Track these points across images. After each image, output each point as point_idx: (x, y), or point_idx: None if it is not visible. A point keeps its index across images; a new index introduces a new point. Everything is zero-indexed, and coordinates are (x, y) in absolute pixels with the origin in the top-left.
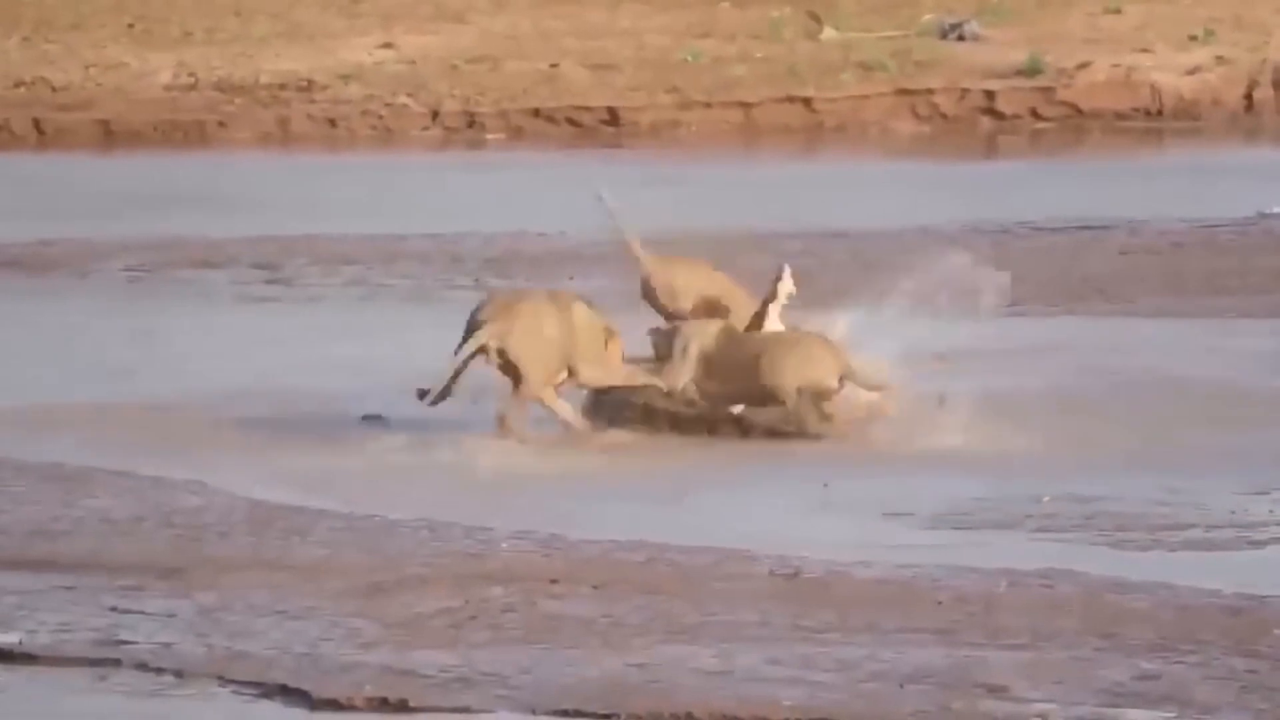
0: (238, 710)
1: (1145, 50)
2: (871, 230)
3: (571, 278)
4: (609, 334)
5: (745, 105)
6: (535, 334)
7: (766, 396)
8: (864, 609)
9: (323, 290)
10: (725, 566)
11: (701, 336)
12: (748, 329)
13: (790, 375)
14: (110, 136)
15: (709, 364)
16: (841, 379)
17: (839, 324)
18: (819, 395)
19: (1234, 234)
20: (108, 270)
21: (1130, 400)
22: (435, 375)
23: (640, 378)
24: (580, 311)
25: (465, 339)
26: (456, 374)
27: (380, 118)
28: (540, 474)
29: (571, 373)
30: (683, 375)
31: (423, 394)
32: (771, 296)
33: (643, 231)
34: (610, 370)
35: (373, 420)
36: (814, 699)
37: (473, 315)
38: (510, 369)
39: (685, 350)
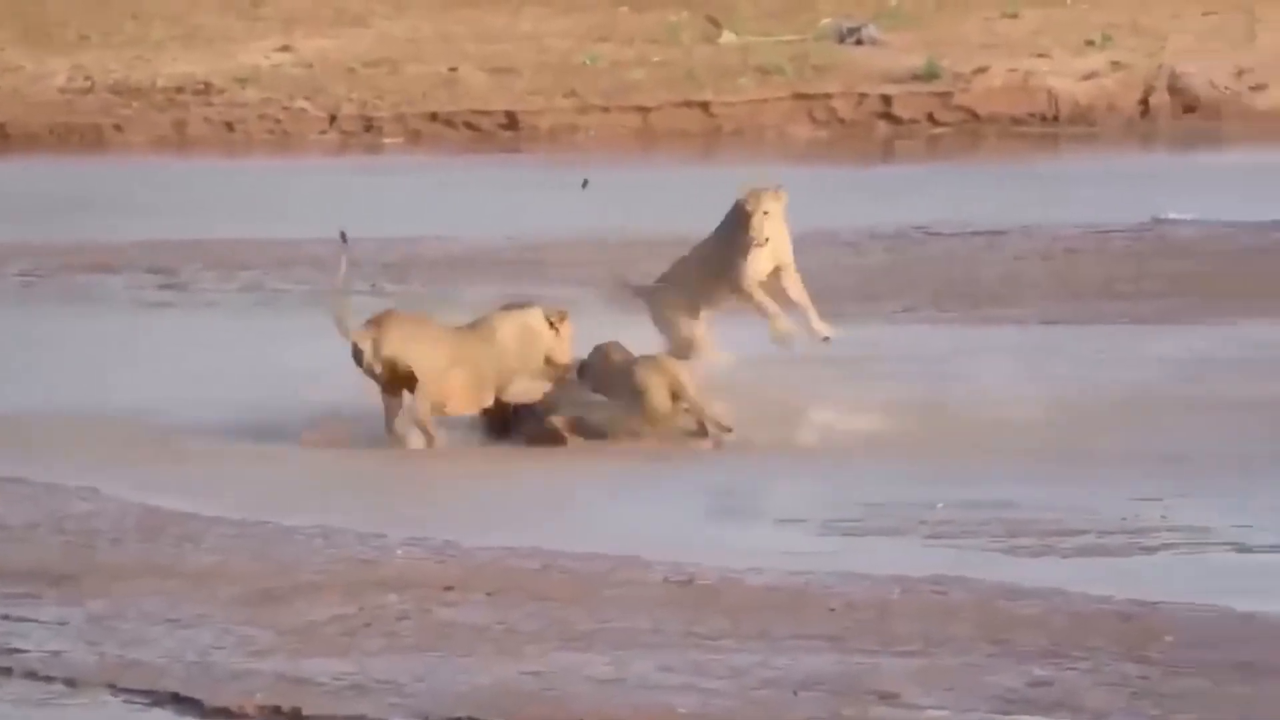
0: (129, 718)
1: (1042, 55)
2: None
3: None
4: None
5: (643, 109)
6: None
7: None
8: (756, 616)
9: (218, 295)
10: (619, 574)
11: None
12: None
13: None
14: (5, 140)
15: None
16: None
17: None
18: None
19: (1129, 239)
20: (1, 274)
21: (1022, 406)
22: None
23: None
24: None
25: None
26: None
27: (278, 121)
28: (434, 481)
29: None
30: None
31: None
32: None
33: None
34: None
35: (344, 239)
36: (707, 706)
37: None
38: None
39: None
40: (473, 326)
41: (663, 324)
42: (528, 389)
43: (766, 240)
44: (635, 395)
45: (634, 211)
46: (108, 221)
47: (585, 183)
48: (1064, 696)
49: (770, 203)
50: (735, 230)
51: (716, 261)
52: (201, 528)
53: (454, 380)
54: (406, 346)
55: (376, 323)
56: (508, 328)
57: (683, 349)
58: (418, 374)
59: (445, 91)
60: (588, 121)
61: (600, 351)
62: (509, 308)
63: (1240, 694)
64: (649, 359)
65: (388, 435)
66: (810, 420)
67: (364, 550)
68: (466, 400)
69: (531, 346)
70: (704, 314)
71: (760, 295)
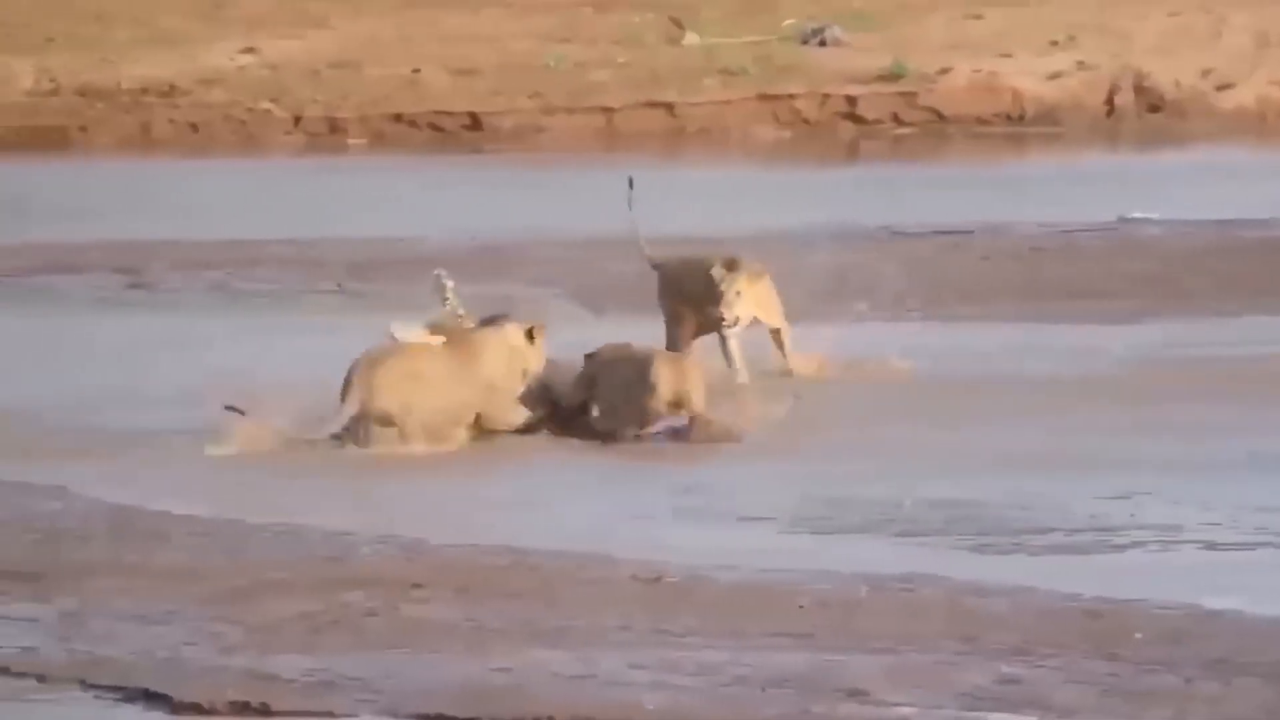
0: (100, 715)
1: (1007, 55)
2: (733, 235)
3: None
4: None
5: (607, 110)
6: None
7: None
8: (725, 613)
9: (183, 295)
10: (587, 571)
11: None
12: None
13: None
14: None
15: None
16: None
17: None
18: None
19: (1095, 239)
20: None
21: (990, 405)
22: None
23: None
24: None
25: None
26: None
27: (242, 123)
28: (402, 479)
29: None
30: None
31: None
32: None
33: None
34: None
35: (233, 411)
36: (676, 703)
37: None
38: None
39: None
40: (454, 349)
41: (664, 307)
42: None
43: (736, 320)
44: (640, 393)
45: (597, 212)
46: (72, 222)
47: (630, 183)
48: (1033, 694)
49: (745, 285)
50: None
51: (696, 304)
52: (170, 526)
53: (440, 420)
54: (395, 400)
55: (370, 369)
56: (491, 352)
57: (674, 342)
58: (402, 429)
59: (409, 93)
60: (551, 122)
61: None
62: (486, 323)
63: (1210, 691)
64: (662, 357)
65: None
66: (777, 418)
67: (331, 548)
68: (447, 434)
69: (515, 364)
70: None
71: (732, 345)
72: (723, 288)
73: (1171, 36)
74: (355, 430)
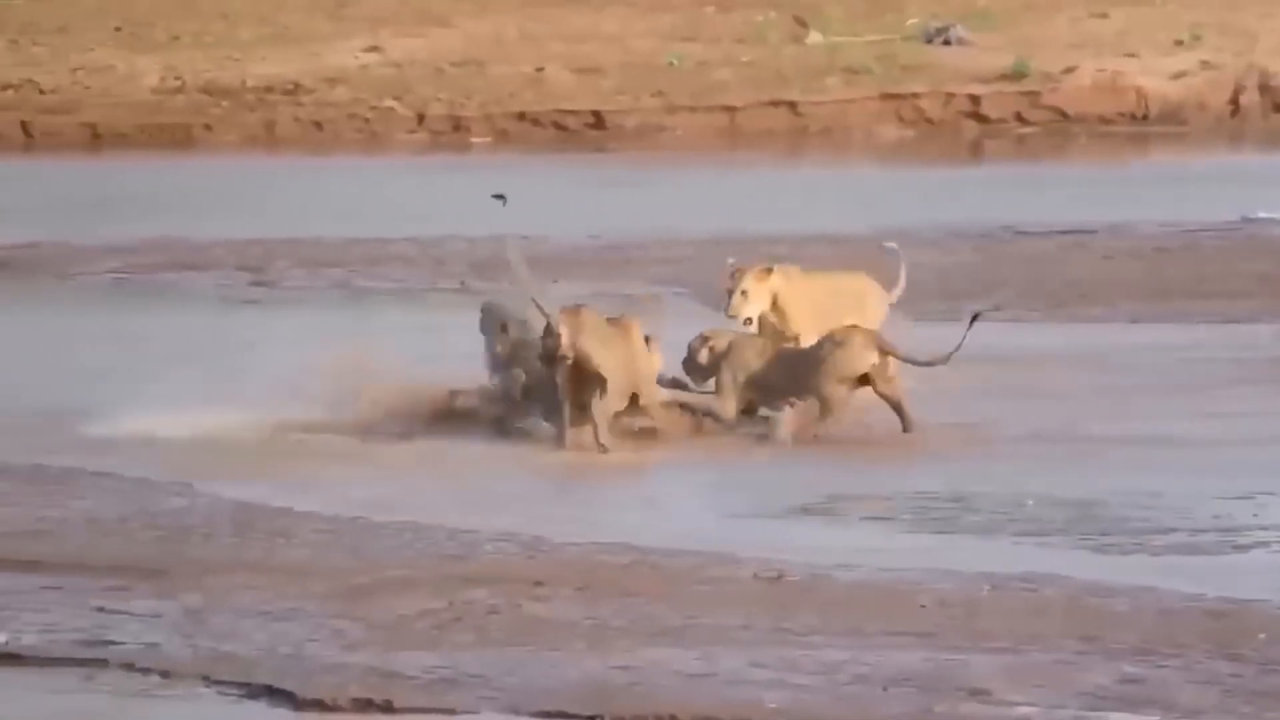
0: (223, 711)
1: (1131, 55)
2: (855, 234)
3: (555, 281)
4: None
5: (730, 109)
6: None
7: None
8: (846, 612)
9: (307, 293)
10: (708, 570)
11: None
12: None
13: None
14: (97, 139)
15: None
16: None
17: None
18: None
19: (1218, 238)
20: (93, 272)
21: (1113, 404)
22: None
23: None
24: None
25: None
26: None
27: (366, 121)
28: (523, 477)
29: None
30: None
31: None
32: None
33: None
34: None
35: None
36: (796, 702)
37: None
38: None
39: (734, 378)
40: (616, 326)
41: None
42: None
43: (748, 321)
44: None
45: (719, 211)
46: (197, 220)
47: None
48: (1155, 694)
49: (750, 282)
50: None
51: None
52: (293, 523)
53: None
54: (597, 347)
55: (575, 314)
56: (639, 337)
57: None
58: (606, 376)
59: (532, 91)
60: (674, 121)
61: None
62: (613, 322)
63: None
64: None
65: (563, 440)
66: (896, 419)
67: (454, 546)
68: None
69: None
70: None
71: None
72: (727, 284)
73: None
74: (556, 379)
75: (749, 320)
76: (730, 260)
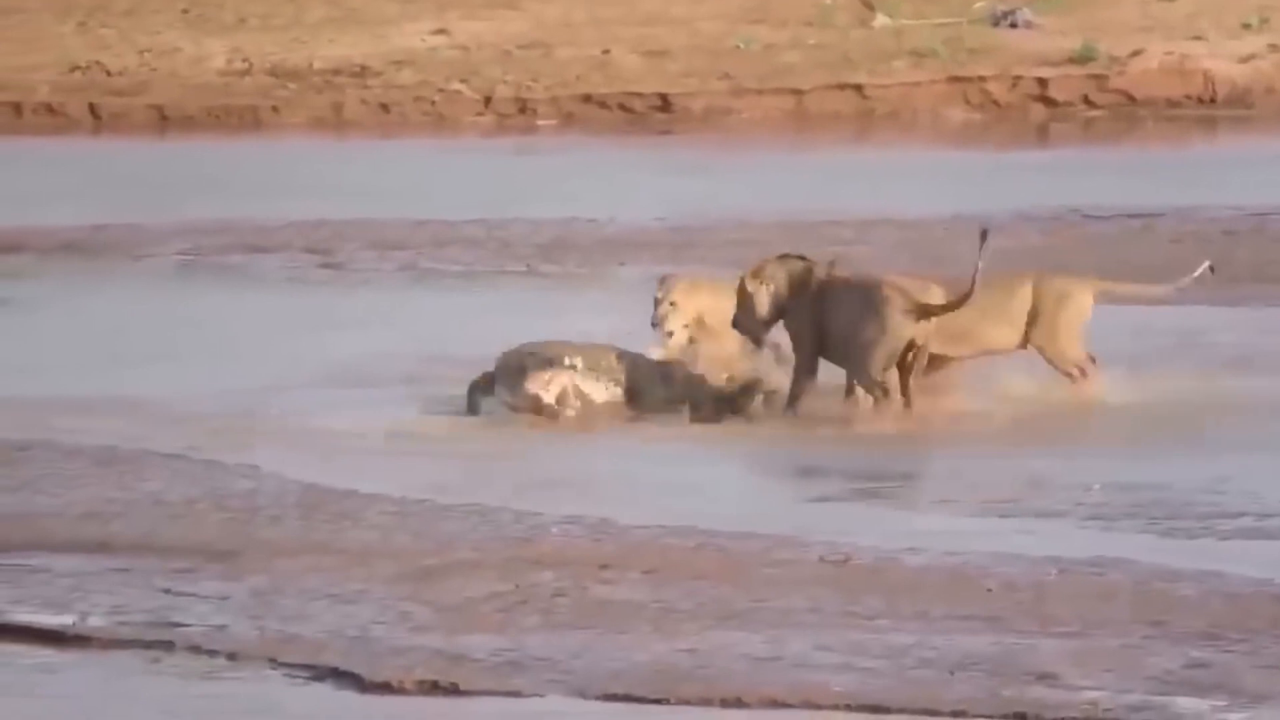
0: (290, 692)
1: (1198, 38)
2: (922, 217)
3: (622, 264)
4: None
5: (797, 92)
6: None
7: None
8: (913, 596)
9: (374, 275)
10: (775, 553)
11: None
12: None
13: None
14: (164, 121)
15: None
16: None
17: None
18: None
19: None
20: (160, 254)
21: (1180, 389)
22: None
23: None
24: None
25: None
26: None
27: (433, 103)
28: (589, 460)
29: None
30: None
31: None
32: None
33: (696, 216)
34: None
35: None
36: (863, 685)
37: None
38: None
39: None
40: None
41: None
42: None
43: (671, 334)
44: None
45: (785, 194)
46: (264, 202)
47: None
48: (1222, 678)
49: (681, 296)
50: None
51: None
52: (360, 505)
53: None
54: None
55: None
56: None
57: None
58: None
59: (599, 74)
60: (741, 104)
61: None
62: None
63: None
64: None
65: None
66: (965, 402)
67: (520, 529)
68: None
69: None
70: None
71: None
72: (658, 296)
73: None
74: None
75: (671, 334)
76: (662, 272)
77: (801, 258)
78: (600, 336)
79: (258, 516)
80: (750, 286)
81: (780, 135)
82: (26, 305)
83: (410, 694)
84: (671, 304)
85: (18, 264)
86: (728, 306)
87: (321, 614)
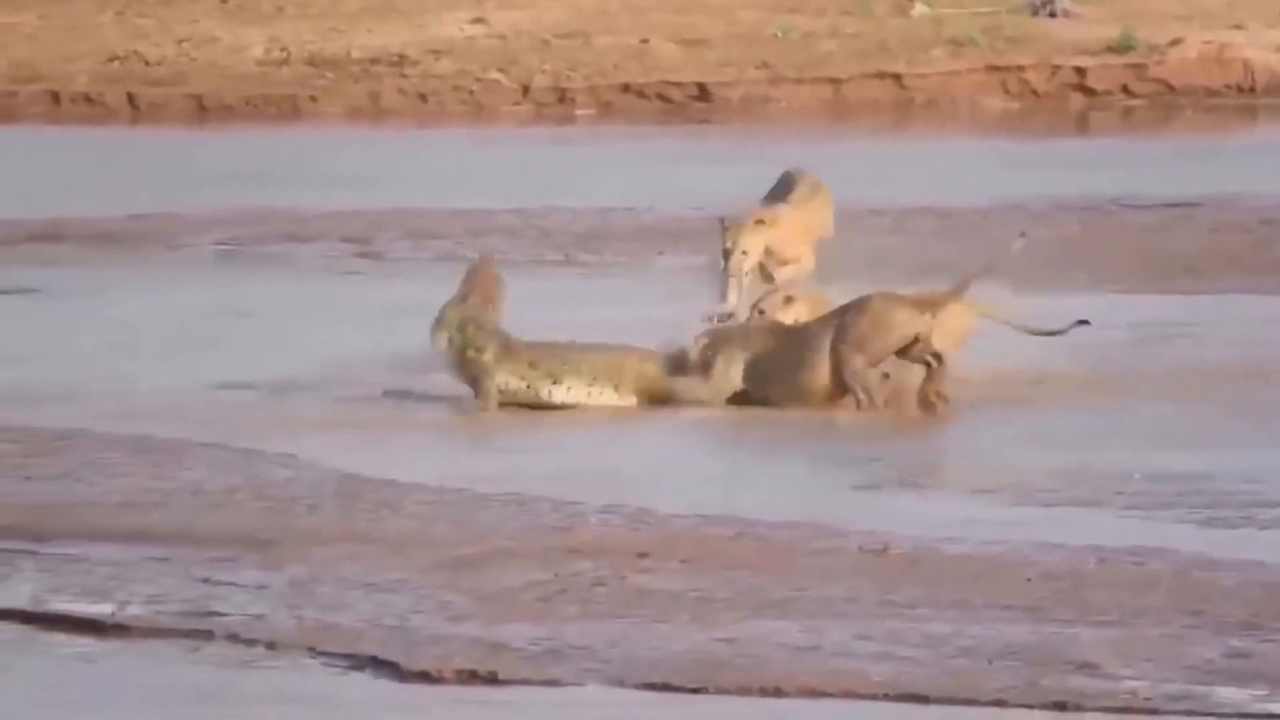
0: (328, 681)
1: (1237, 26)
2: (960, 207)
3: (661, 253)
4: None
5: (835, 81)
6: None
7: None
8: (952, 585)
9: (411, 264)
10: (814, 542)
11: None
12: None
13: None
14: (202, 111)
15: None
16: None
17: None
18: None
19: None
20: (198, 244)
21: (1219, 378)
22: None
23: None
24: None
25: None
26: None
27: (471, 93)
28: (628, 449)
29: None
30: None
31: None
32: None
33: (734, 205)
34: None
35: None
36: (902, 674)
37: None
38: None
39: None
40: None
41: None
42: None
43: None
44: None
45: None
46: (302, 192)
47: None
48: (1262, 667)
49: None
50: None
51: None
52: (398, 494)
53: None
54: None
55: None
56: None
57: None
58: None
59: (637, 63)
60: (779, 93)
61: None
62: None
63: None
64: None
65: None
66: (1004, 391)
67: (559, 517)
68: None
69: None
70: None
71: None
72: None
73: None
74: None
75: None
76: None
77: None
78: (638, 325)
79: (296, 505)
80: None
81: (818, 124)
82: (64, 294)
83: (448, 683)
84: (744, 253)
85: (55, 253)
86: (792, 231)
87: (360, 603)
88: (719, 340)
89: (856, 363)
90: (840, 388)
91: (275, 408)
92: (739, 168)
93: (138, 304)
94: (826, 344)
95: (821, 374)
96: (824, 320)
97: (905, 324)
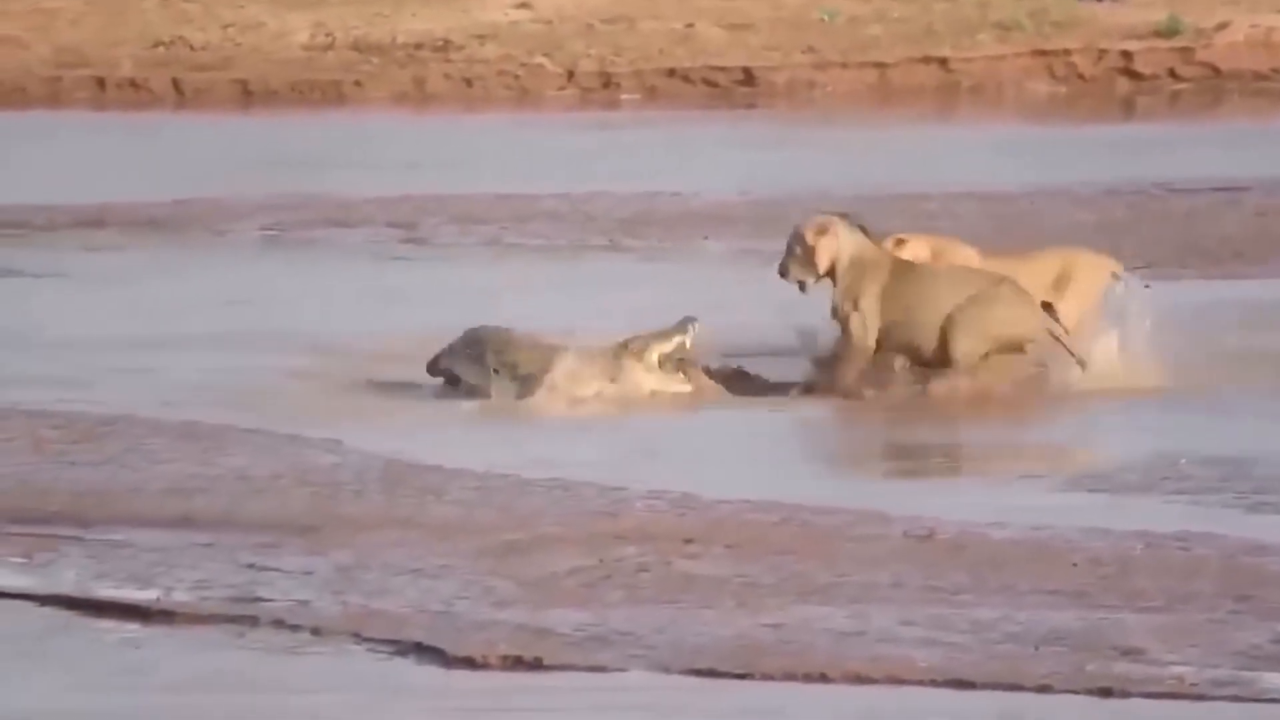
0: (373, 667)
1: None
2: (1007, 191)
3: (706, 238)
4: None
5: (881, 65)
6: None
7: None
8: (998, 570)
9: (457, 249)
10: (859, 527)
11: None
12: None
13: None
14: (248, 96)
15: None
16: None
17: None
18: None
19: None
20: (243, 230)
21: (1267, 363)
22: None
23: None
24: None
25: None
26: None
27: (516, 77)
28: (673, 434)
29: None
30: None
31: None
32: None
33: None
34: None
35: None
36: (948, 660)
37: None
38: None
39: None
40: None
41: None
42: None
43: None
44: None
45: (869, 169)
46: (347, 177)
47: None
48: None
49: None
50: None
51: None
52: (444, 480)
53: None
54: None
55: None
56: None
57: None
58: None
59: (682, 47)
60: (825, 77)
61: None
62: None
63: None
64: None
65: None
66: (1050, 376)
67: (604, 503)
68: None
69: None
70: None
71: None
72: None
73: None
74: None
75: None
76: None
77: (863, 227)
78: (682, 310)
79: (341, 491)
80: (811, 240)
81: (864, 109)
82: (108, 280)
83: (494, 669)
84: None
85: (100, 238)
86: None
87: (405, 589)
88: (855, 279)
89: (965, 345)
90: (943, 357)
91: (320, 393)
92: (784, 152)
93: (182, 289)
94: (947, 308)
95: (932, 337)
96: (954, 280)
97: (1024, 323)
